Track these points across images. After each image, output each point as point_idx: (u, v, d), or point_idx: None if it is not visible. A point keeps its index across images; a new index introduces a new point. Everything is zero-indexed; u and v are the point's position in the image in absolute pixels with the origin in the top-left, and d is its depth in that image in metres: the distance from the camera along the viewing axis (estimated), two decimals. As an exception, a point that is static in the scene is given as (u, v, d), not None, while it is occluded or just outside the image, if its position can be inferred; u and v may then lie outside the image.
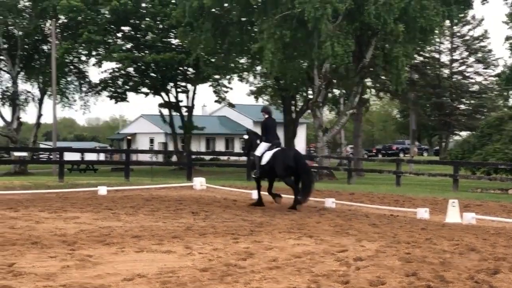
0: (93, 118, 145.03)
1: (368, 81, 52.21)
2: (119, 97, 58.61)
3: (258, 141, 18.44)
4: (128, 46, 54.50)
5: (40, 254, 9.59)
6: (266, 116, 18.53)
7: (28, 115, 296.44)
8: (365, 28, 38.39)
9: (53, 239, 10.96)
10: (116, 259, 9.30)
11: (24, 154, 46.58)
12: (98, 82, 57.68)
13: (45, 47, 53.83)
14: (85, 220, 13.80)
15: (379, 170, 37.02)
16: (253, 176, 18.58)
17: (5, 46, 50.38)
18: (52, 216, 14.51)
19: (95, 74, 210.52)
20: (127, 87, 58.28)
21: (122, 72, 56.43)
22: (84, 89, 57.91)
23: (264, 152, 17.95)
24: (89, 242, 10.69)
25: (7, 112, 52.72)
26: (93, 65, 55.17)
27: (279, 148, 18.19)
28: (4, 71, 53.58)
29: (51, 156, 57.82)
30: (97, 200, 18.86)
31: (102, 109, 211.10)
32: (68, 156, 42.84)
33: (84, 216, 14.44)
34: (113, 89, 58.12)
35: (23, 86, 55.47)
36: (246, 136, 19.45)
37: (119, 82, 58.21)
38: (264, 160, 17.81)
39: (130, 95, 60.34)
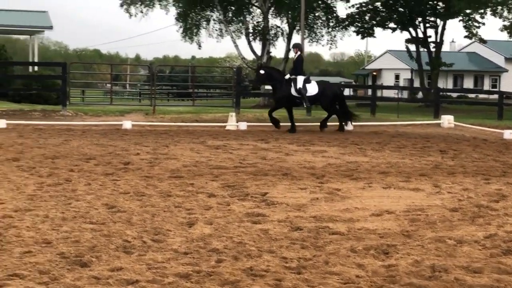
0: (338, 53, 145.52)
1: None
2: (366, 32, 58.34)
3: (287, 76, 19.94)
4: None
5: (290, 185, 9.91)
6: (299, 52, 20.39)
7: (277, 50, 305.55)
8: None
9: (302, 172, 11.26)
10: (363, 194, 9.36)
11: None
12: (345, 17, 57.73)
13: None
14: (332, 154, 14.03)
15: None
16: (306, 106, 20.73)
17: (258, -18, 51.85)
18: (300, 149, 14.92)
19: (342, 9, 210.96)
20: (374, 22, 57.81)
21: (370, 7, 55.97)
22: (331, 24, 58.20)
23: (303, 84, 19.71)
24: (336, 176, 10.86)
25: (257, 46, 54.50)
26: (341, 0, 55.28)
27: (319, 81, 20.83)
28: (256, 6, 55.25)
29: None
30: (343, 134, 19.10)
31: (348, 44, 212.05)
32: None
33: (331, 150, 14.69)
34: (360, 24, 57.94)
35: (273, 21, 56.51)
36: (262, 71, 20.58)
37: (366, 17, 57.87)
38: (309, 92, 19.67)
39: (377, 30, 59.67)
